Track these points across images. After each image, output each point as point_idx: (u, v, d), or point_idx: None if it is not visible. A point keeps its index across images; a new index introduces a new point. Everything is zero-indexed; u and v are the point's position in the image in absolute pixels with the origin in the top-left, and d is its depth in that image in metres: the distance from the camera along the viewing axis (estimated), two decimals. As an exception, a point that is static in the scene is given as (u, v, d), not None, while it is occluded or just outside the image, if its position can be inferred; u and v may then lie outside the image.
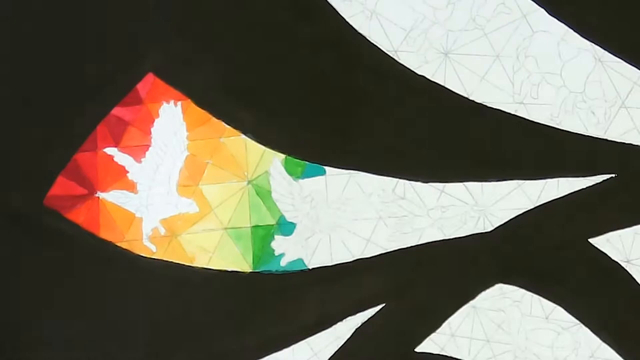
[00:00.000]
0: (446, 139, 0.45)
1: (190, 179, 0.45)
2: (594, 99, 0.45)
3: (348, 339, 0.43)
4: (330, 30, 0.46)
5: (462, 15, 0.46)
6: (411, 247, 0.44)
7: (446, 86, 0.46)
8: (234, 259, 0.44)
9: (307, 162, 0.45)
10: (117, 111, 0.46)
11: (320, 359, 0.43)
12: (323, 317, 0.44)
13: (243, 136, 0.45)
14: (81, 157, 0.46)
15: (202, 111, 0.46)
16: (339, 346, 0.43)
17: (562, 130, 0.44)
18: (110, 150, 0.46)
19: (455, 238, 0.44)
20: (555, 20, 0.46)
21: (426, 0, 0.46)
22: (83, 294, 0.45)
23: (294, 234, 0.44)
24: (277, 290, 0.44)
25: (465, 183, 0.44)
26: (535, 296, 0.43)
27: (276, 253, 0.44)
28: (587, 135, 0.44)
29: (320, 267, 0.44)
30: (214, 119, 0.46)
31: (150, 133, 0.46)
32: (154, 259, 0.45)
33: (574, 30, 0.45)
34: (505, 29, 0.46)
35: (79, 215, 0.45)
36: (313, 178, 0.45)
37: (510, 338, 0.43)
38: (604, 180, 0.43)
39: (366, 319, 0.43)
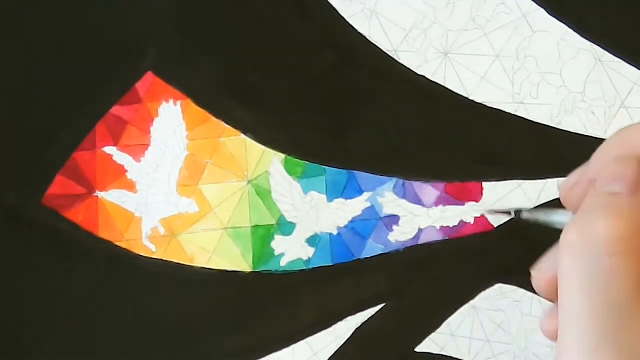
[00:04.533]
0: (446, 139, 0.44)
1: (190, 179, 0.45)
2: (594, 99, 0.45)
3: (348, 339, 0.43)
4: (330, 30, 0.46)
5: (462, 15, 0.46)
6: (411, 247, 0.44)
7: (446, 86, 0.46)
8: (234, 259, 0.44)
9: (307, 162, 0.45)
10: (116, 110, 0.46)
11: (320, 359, 0.43)
12: (323, 317, 0.44)
13: (243, 136, 0.45)
14: (80, 156, 0.46)
15: (202, 111, 0.46)
16: (339, 346, 0.43)
17: (562, 130, 0.44)
18: (109, 150, 0.46)
19: (456, 238, 0.44)
20: (555, 20, 0.46)
21: (426, 0, 0.46)
22: (81, 293, 0.44)
23: (294, 234, 0.44)
24: (277, 290, 0.44)
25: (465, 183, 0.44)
26: (535, 296, 0.43)
27: (276, 253, 0.44)
28: (587, 135, 0.44)
29: (320, 267, 0.44)
30: (213, 118, 0.46)
31: (149, 132, 0.46)
32: (153, 258, 0.45)
33: (574, 30, 0.45)
34: (505, 29, 0.46)
35: (77, 215, 0.45)
36: (313, 178, 0.45)
37: (510, 338, 0.43)
38: (603, 181, 0.43)
39: (366, 319, 0.43)
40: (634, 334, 0.25)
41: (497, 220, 0.44)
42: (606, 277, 0.26)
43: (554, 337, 0.34)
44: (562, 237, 0.29)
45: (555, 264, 0.32)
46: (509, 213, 0.41)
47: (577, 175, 0.34)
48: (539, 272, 0.34)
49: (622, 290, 0.26)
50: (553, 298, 0.34)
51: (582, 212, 0.30)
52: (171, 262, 0.45)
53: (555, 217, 0.36)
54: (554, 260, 0.33)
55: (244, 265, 0.44)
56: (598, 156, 0.33)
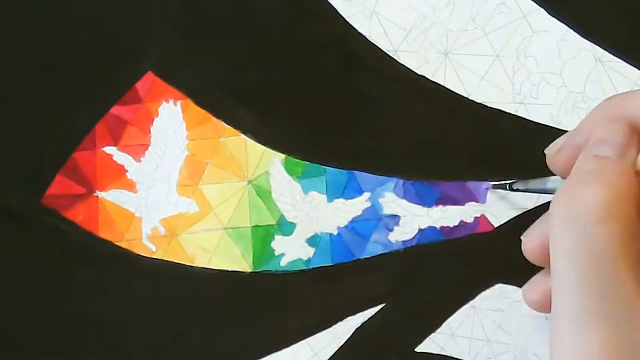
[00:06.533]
0: (446, 139, 0.45)
1: (190, 179, 0.45)
2: (594, 99, 0.45)
3: (348, 339, 0.43)
4: (330, 30, 0.46)
5: (462, 15, 0.46)
6: (411, 247, 0.44)
7: (446, 86, 0.46)
8: (234, 259, 0.44)
9: (307, 162, 0.45)
10: (116, 110, 0.46)
11: (320, 359, 0.43)
12: (323, 317, 0.44)
13: (243, 136, 0.45)
14: (80, 156, 0.46)
15: (202, 111, 0.46)
16: (339, 346, 0.43)
17: (562, 130, 0.44)
18: (109, 149, 0.46)
19: (456, 238, 0.44)
20: (555, 20, 0.46)
21: (426, 0, 0.46)
22: (81, 293, 0.44)
23: (294, 234, 0.44)
24: (277, 290, 0.44)
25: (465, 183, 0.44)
26: (535, 296, 0.43)
27: (276, 253, 0.44)
28: (587, 136, 0.44)
29: (320, 267, 0.44)
30: (213, 118, 0.46)
31: (149, 132, 0.46)
32: (153, 258, 0.45)
33: (574, 30, 0.45)
34: (505, 29, 0.46)
35: (77, 215, 0.45)
36: (313, 178, 0.45)
37: (511, 338, 0.43)
38: (603, 181, 0.43)
39: (366, 319, 0.43)
40: (620, 300, 0.26)
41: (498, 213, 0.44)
42: (592, 245, 0.26)
43: (535, 305, 0.34)
44: (552, 204, 0.29)
45: (545, 230, 0.32)
46: (505, 187, 0.41)
47: (563, 140, 0.34)
48: (529, 238, 0.34)
49: (607, 257, 0.26)
50: (542, 263, 0.34)
51: (571, 178, 0.30)
52: (171, 262, 0.45)
53: (548, 184, 0.36)
54: (543, 226, 0.33)
55: (244, 265, 0.44)
56: (588, 120, 0.33)
